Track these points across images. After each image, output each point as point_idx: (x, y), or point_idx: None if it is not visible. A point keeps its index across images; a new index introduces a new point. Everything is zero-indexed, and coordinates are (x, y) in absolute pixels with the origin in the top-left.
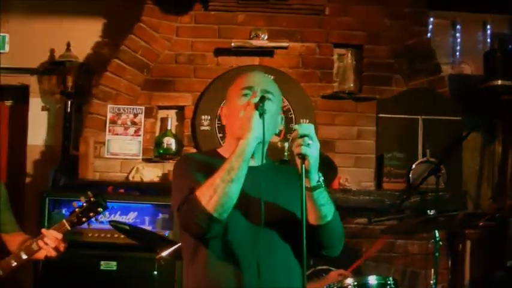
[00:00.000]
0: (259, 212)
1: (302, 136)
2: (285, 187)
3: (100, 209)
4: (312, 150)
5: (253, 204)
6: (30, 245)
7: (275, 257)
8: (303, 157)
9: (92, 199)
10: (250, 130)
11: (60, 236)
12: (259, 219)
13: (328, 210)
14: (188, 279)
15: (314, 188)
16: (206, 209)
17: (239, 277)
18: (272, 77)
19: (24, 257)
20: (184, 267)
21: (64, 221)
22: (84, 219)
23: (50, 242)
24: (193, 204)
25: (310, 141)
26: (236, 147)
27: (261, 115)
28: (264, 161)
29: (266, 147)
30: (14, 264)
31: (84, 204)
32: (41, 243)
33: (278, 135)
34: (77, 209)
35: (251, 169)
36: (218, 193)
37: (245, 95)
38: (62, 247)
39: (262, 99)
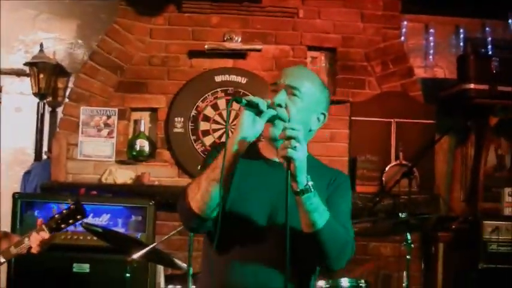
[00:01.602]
0: (273, 215)
1: (289, 138)
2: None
3: (79, 217)
4: (299, 154)
5: (261, 206)
6: (21, 240)
7: (275, 266)
8: (289, 160)
9: (72, 206)
10: (236, 130)
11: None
12: (270, 220)
13: (318, 218)
14: (201, 274)
15: (302, 192)
16: (190, 205)
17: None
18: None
19: (14, 251)
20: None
21: (43, 225)
22: (63, 225)
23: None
24: (182, 199)
25: (297, 144)
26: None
27: (259, 114)
28: None
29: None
30: (2, 260)
31: (64, 211)
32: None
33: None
34: (56, 215)
35: (278, 165)
36: (201, 191)
37: (273, 90)
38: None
39: (236, 100)
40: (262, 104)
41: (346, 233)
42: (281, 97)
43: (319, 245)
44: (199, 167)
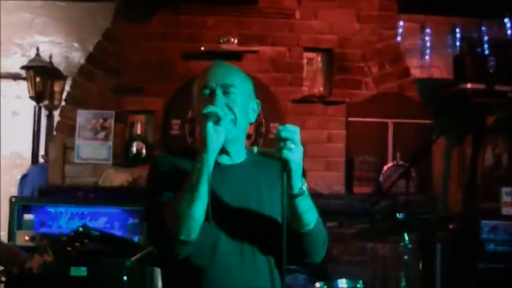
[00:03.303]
0: (238, 220)
1: (284, 139)
2: (266, 187)
3: (86, 240)
4: (294, 155)
5: (231, 211)
6: (24, 261)
7: (257, 272)
8: (284, 162)
9: (79, 229)
10: (205, 145)
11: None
12: (238, 228)
13: (311, 218)
14: None
15: (296, 196)
16: (173, 232)
17: None
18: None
19: (15, 271)
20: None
21: (48, 248)
22: (68, 248)
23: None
24: (160, 228)
25: (292, 145)
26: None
27: (217, 122)
28: (245, 156)
29: (244, 139)
30: (3, 279)
31: (71, 233)
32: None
33: (253, 123)
34: (62, 237)
35: (230, 169)
36: (183, 215)
37: (204, 94)
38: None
39: (208, 115)
40: (221, 111)
41: (324, 227)
42: (222, 100)
43: (309, 243)
44: (154, 189)
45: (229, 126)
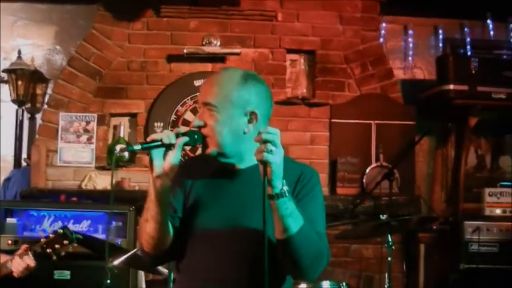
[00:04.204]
0: (225, 227)
1: (265, 142)
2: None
3: (66, 242)
4: (275, 157)
5: (218, 217)
6: (4, 264)
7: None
8: (265, 164)
9: (59, 231)
10: (151, 172)
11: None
12: (233, 228)
13: (292, 223)
14: None
15: (277, 196)
16: (142, 245)
17: None
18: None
19: None
20: None
21: (28, 250)
22: (48, 250)
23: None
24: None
25: (273, 148)
26: None
27: (168, 147)
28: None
29: (246, 147)
30: None
31: (51, 235)
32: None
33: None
34: (42, 239)
35: (234, 173)
36: (142, 231)
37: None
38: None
39: (153, 141)
40: (167, 137)
41: (320, 240)
42: (197, 120)
43: (292, 253)
44: None
45: (203, 146)
